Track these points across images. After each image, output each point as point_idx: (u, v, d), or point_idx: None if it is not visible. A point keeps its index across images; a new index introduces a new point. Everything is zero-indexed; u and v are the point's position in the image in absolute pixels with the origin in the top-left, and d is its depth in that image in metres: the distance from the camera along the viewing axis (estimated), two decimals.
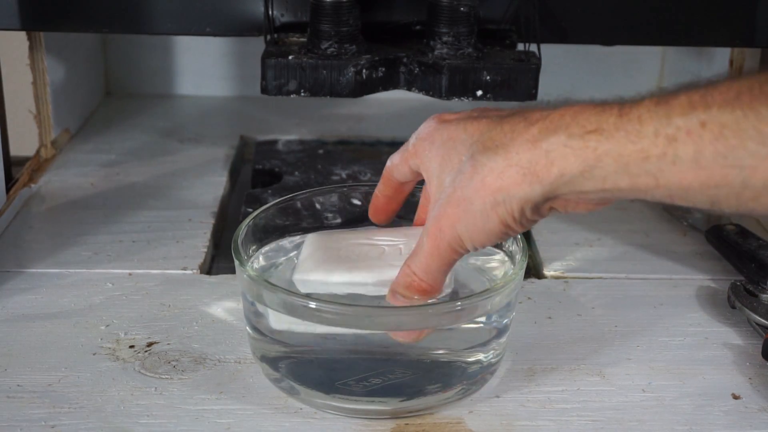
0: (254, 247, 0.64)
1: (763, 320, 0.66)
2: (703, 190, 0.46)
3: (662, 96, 0.47)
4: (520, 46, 0.80)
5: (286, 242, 0.67)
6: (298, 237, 0.67)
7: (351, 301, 0.58)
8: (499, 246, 0.64)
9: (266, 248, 0.66)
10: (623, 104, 0.48)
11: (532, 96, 0.76)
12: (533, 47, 0.79)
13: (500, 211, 0.51)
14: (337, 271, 0.59)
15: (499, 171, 0.51)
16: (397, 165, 0.61)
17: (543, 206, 0.52)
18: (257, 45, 0.79)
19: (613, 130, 0.48)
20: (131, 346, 0.65)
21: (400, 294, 0.56)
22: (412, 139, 0.60)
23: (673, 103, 0.46)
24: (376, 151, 1.00)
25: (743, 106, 0.44)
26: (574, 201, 0.51)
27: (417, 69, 0.77)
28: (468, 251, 0.54)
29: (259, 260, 0.65)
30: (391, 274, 0.57)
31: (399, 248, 0.61)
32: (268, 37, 0.79)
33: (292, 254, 0.67)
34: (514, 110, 0.54)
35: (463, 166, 0.53)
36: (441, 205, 0.54)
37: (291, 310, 0.57)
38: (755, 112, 0.44)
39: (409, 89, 0.78)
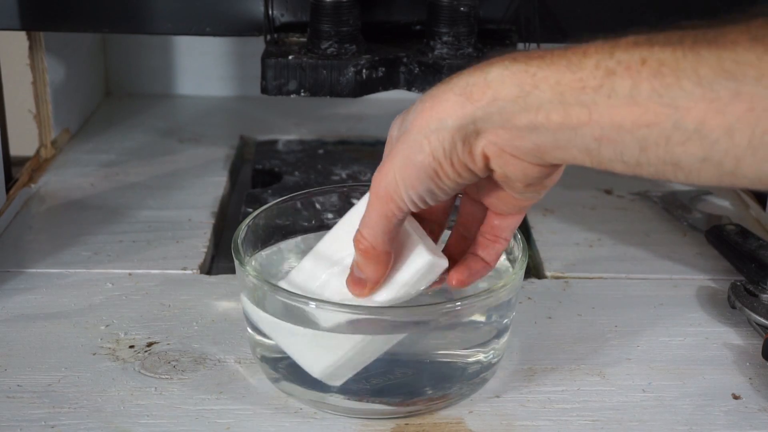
0: (254, 251, 0.64)
1: (763, 320, 0.66)
2: (634, 130, 0.45)
3: (612, 37, 0.47)
4: (520, 46, 0.80)
5: (284, 245, 0.67)
6: (298, 238, 0.67)
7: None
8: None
9: (265, 252, 0.66)
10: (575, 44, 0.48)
11: None
12: (533, 47, 0.79)
13: (432, 140, 0.50)
14: None
15: (438, 98, 0.50)
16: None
17: (475, 144, 0.49)
18: (257, 45, 0.79)
19: (555, 58, 0.47)
20: (131, 346, 0.65)
21: (353, 265, 0.56)
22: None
23: (619, 42, 0.46)
24: (376, 151, 1.00)
25: (684, 48, 0.44)
26: (507, 146, 0.49)
27: (417, 69, 0.77)
28: (404, 203, 0.52)
29: (259, 264, 0.65)
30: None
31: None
32: (268, 37, 0.79)
33: (291, 258, 0.67)
34: None
35: (406, 114, 0.52)
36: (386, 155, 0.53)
37: (291, 311, 0.57)
38: (695, 53, 0.43)
39: (409, 89, 0.78)
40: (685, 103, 0.43)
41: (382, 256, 0.54)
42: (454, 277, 0.57)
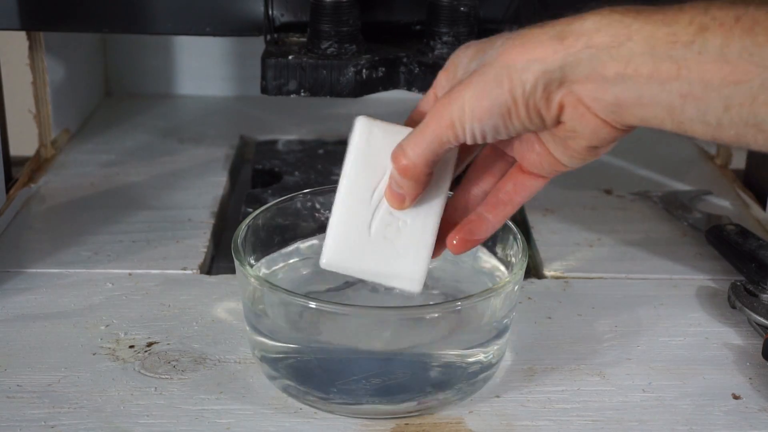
0: (256, 255, 0.64)
1: (763, 320, 0.66)
2: (721, 88, 0.45)
3: None
4: None
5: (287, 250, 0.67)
6: (297, 243, 0.67)
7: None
8: (499, 246, 0.64)
9: (267, 255, 0.66)
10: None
11: None
12: None
13: (515, 78, 0.50)
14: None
15: (530, 38, 0.50)
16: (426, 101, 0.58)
17: (556, 91, 0.49)
18: (257, 45, 0.79)
19: (651, 12, 0.47)
20: (131, 346, 0.65)
21: (392, 179, 0.55)
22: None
23: (716, 0, 0.46)
24: None
25: None
26: (587, 97, 0.49)
27: (417, 69, 0.77)
28: (464, 134, 0.52)
29: (260, 269, 0.65)
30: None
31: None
32: (268, 37, 0.79)
33: (292, 260, 0.67)
34: None
35: (495, 42, 0.52)
36: (459, 81, 0.52)
37: (291, 311, 0.58)
38: None
39: (409, 89, 0.78)
40: None
41: (422, 176, 0.54)
42: (457, 236, 0.57)
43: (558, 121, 0.51)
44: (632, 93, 0.48)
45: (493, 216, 0.57)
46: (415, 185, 0.55)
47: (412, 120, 0.58)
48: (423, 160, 0.53)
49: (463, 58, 0.54)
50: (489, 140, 0.53)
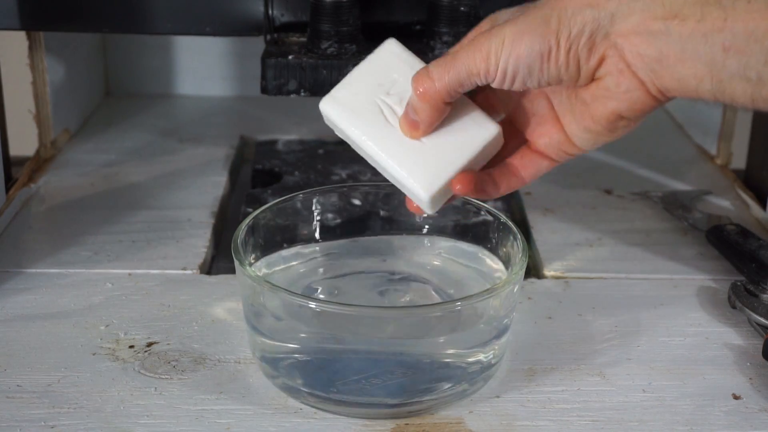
0: (256, 255, 0.64)
1: (763, 320, 0.66)
2: (764, 39, 0.46)
3: None
4: None
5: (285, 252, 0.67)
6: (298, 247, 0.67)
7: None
8: (499, 246, 0.64)
9: (267, 255, 0.66)
10: None
11: None
12: None
13: (563, 20, 0.50)
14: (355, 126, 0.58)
15: None
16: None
17: (600, 42, 0.50)
18: (257, 45, 0.79)
19: None
20: (131, 346, 0.65)
21: (410, 102, 0.55)
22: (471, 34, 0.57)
23: None
24: None
25: None
26: (630, 52, 0.49)
27: None
28: (497, 69, 0.52)
29: (260, 268, 0.65)
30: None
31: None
32: (268, 37, 0.79)
33: (293, 263, 0.67)
34: None
35: None
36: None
37: (291, 310, 0.58)
38: None
39: None
40: None
41: (441, 104, 0.54)
42: (464, 181, 0.56)
43: (592, 77, 0.51)
44: (675, 47, 0.48)
45: (500, 182, 0.58)
46: (431, 112, 0.54)
47: None
48: (446, 86, 0.53)
49: (505, 13, 0.55)
50: (517, 85, 0.52)
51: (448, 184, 0.57)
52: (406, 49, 0.58)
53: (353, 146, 0.59)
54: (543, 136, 0.56)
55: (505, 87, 0.53)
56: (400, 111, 0.57)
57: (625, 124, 0.53)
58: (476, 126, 0.56)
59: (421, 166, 0.56)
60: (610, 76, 0.51)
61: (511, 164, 0.58)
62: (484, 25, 0.57)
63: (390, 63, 0.58)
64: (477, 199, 0.61)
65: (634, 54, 0.50)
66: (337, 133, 0.59)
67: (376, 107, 0.57)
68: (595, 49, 0.50)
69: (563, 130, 0.55)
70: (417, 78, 0.54)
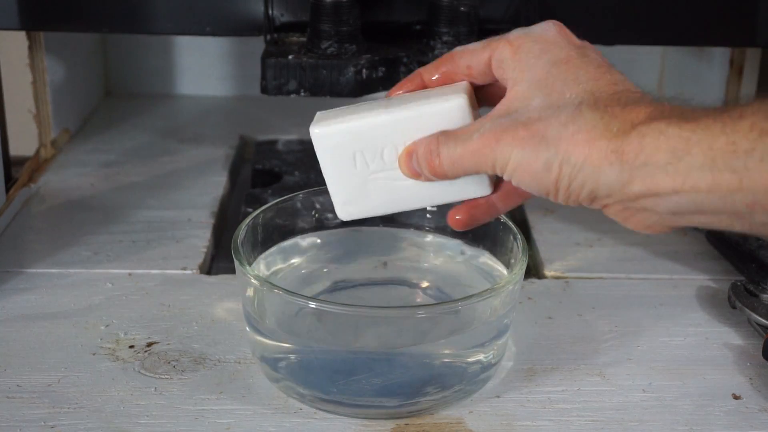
0: (255, 252, 0.64)
1: (763, 320, 0.66)
2: None
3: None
4: None
5: (287, 245, 0.67)
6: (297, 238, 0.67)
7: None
8: (499, 246, 0.64)
9: (266, 253, 0.66)
10: (738, 105, 0.47)
11: None
12: None
13: (566, 172, 0.49)
14: (353, 118, 0.56)
15: (593, 136, 0.49)
16: (474, 52, 0.56)
17: (602, 199, 0.50)
18: (257, 45, 0.79)
19: (710, 121, 0.46)
20: (131, 346, 0.65)
21: (416, 160, 0.55)
22: (515, 32, 0.56)
23: None
24: None
25: None
26: (636, 209, 0.50)
27: (417, 69, 0.76)
28: (499, 178, 0.53)
29: (260, 267, 0.65)
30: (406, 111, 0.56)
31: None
32: (268, 37, 0.79)
33: (293, 260, 0.67)
34: (626, 81, 0.52)
35: (563, 105, 0.50)
36: (516, 121, 0.51)
37: (291, 310, 0.58)
38: None
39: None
40: None
41: (443, 177, 0.55)
42: (461, 214, 0.57)
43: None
44: (691, 205, 0.47)
45: (501, 203, 0.58)
46: (433, 176, 0.55)
47: (440, 72, 0.58)
48: (454, 173, 0.54)
49: (532, 64, 0.53)
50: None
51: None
52: (325, 122, 0.57)
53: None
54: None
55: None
56: (371, 161, 0.57)
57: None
58: (467, 180, 0.56)
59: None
60: (617, 217, 0.51)
61: (492, 199, 0.58)
62: (511, 57, 0.55)
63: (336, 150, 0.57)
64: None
65: (642, 209, 0.50)
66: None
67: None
68: (596, 202, 0.51)
69: None
70: (428, 157, 0.54)
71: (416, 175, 0.56)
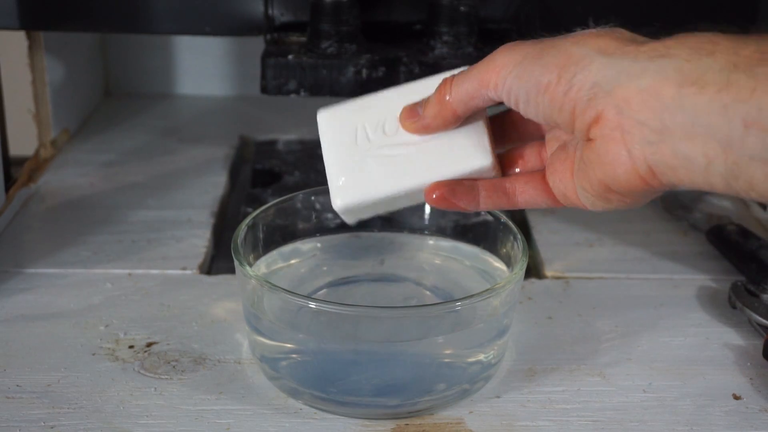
0: (256, 255, 0.64)
1: (764, 320, 0.66)
2: None
3: None
4: None
5: (286, 249, 0.67)
6: (297, 243, 0.67)
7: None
8: (499, 246, 0.64)
9: (266, 256, 0.66)
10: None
11: None
12: None
13: (573, 58, 0.47)
14: (379, 187, 0.55)
15: (605, 41, 0.47)
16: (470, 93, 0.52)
17: (602, 98, 0.46)
18: (257, 45, 0.79)
19: (740, 36, 0.44)
20: (131, 347, 0.65)
21: (421, 105, 0.53)
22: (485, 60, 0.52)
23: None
24: None
25: None
26: (629, 121, 0.45)
27: (417, 69, 0.76)
28: (503, 84, 0.49)
29: (260, 267, 0.65)
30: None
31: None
32: (268, 36, 0.79)
33: (293, 261, 0.67)
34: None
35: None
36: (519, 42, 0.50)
37: (291, 311, 0.58)
38: None
39: None
40: None
41: (450, 113, 0.52)
42: (440, 191, 0.54)
43: (588, 136, 0.47)
44: (685, 119, 0.43)
45: (486, 197, 0.54)
46: (437, 115, 0.53)
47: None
48: (460, 95, 0.51)
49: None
50: (521, 111, 0.50)
51: (379, 204, 0.55)
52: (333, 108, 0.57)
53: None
54: (556, 172, 0.52)
55: (513, 108, 0.50)
56: (372, 133, 0.55)
57: (618, 198, 0.49)
58: (468, 150, 0.54)
59: (356, 175, 0.55)
60: (601, 139, 0.47)
61: (512, 183, 0.54)
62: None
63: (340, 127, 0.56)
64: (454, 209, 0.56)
65: (633, 122, 0.45)
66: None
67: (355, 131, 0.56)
68: (594, 102, 0.46)
69: (572, 179, 0.51)
70: (441, 82, 0.52)
71: (413, 116, 0.53)
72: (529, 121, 0.53)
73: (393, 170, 0.54)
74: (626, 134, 0.46)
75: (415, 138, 0.54)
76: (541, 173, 0.54)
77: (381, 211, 0.56)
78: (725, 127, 0.42)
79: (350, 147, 0.55)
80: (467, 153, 0.54)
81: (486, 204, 0.54)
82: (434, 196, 0.53)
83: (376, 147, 0.55)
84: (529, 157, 0.56)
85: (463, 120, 0.53)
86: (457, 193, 0.53)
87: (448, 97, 0.52)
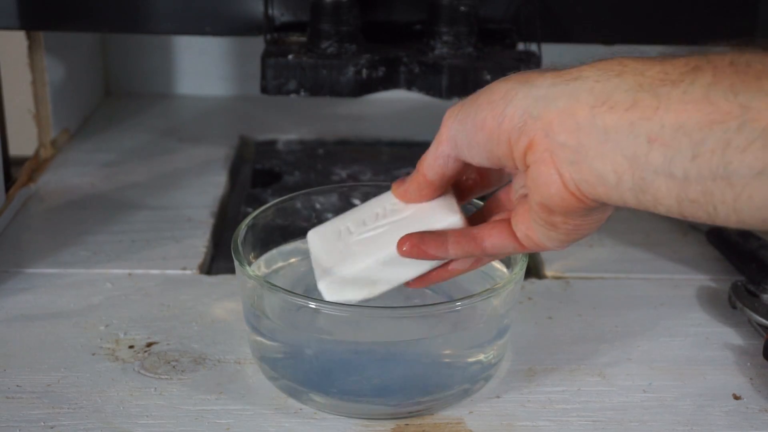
0: (255, 255, 0.64)
1: (764, 320, 0.66)
2: (693, 132, 0.43)
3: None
4: (521, 46, 0.80)
5: (286, 248, 0.67)
6: (297, 242, 0.67)
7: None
8: None
9: (266, 255, 0.66)
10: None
11: None
12: (533, 47, 0.79)
13: (502, 93, 0.49)
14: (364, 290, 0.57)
15: (503, 80, 0.50)
16: (432, 165, 0.55)
17: (531, 125, 0.47)
18: (257, 45, 0.79)
19: (652, 59, 0.46)
20: (131, 347, 0.65)
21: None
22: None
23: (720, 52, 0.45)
24: (376, 151, 1.00)
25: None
26: (553, 142, 0.47)
27: (417, 69, 0.77)
28: (447, 138, 0.52)
29: (260, 267, 0.65)
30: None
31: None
32: (268, 36, 0.79)
33: (292, 259, 0.67)
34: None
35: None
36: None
37: (291, 311, 0.57)
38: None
39: (409, 89, 0.78)
40: (758, 104, 0.42)
41: (421, 177, 0.55)
42: (408, 241, 0.55)
43: (526, 164, 0.49)
44: (597, 137, 0.45)
45: (455, 243, 0.55)
46: (416, 187, 0.56)
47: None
48: (424, 163, 0.54)
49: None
50: (469, 159, 0.52)
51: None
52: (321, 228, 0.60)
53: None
54: (518, 215, 0.54)
55: (462, 158, 0.52)
56: (355, 229, 0.58)
57: (562, 221, 0.50)
58: (437, 212, 0.56)
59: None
60: (535, 164, 0.48)
61: (478, 229, 0.56)
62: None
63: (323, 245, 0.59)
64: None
65: (556, 144, 0.47)
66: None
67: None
68: (525, 128, 0.48)
69: (529, 221, 0.52)
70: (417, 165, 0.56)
71: (399, 183, 0.57)
72: (489, 169, 0.56)
73: (372, 244, 0.57)
74: (553, 155, 0.48)
75: (393, 218, 0.57)
76: (507, 220, 0.55)
77: (367, 294, 0.57)
78: (632, 143, 0.45)
79: (335, 243, 0.58)
80: (436, 215, 0.56)
81: (455, 251, 0.55)
82: (404, 248, 0.55)
83: (356, 235, 0.57)
84: (500, 205, 0.58)
85: (436, 187, 0.56)
86: (426, 241, 0.55)
87: (420, 165, 0.55)
